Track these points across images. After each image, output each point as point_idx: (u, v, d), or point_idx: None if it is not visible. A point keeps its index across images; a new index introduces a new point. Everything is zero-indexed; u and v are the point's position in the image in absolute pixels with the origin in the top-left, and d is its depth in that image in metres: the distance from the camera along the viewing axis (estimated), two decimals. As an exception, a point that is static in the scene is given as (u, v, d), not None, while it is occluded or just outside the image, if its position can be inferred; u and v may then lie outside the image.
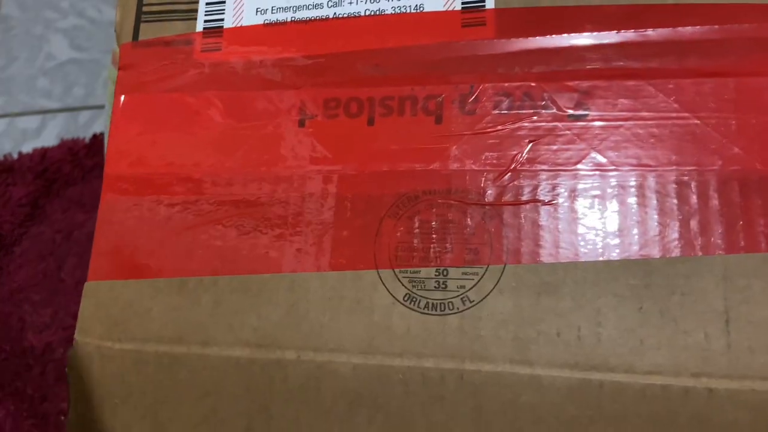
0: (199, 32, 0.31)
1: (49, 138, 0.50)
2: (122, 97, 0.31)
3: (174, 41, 0.32)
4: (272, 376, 0.27)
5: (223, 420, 0.27)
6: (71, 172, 0.64)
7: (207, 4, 0.32)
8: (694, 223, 0.25)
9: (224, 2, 0.31)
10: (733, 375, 0.23)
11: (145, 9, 0.32)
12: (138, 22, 0.32)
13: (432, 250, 0.27)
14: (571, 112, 0.27)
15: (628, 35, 0.27)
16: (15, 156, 0.62)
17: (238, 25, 0.31)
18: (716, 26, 0.26)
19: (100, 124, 0.70)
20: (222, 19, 0.31)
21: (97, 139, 0.70)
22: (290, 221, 0.28)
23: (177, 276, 0.29)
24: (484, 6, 0.29)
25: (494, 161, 0.27)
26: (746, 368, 0.23)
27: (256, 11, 0.31)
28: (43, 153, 0.49)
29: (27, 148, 0.50)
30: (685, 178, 0.25)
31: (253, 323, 0.27)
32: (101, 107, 0.70)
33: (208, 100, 0.31)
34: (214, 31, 0.31)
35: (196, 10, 0.32)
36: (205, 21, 0.31)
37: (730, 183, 0.25)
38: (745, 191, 0.25)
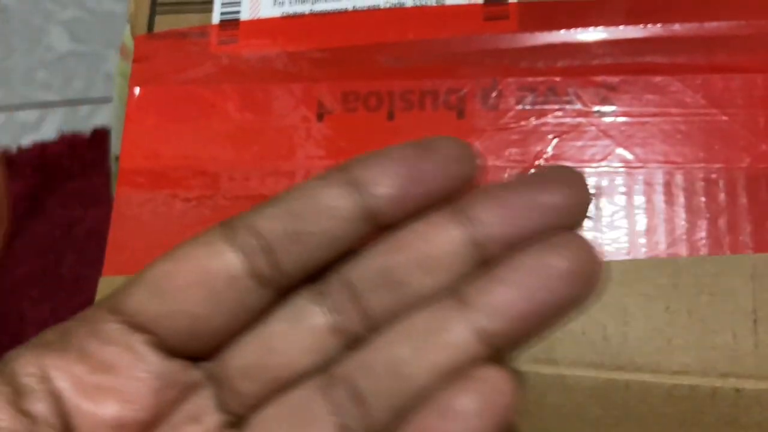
0: (215, 24, 0.31)
1: (48, 131, 0.50)
2: (137, 90, 0.31)
3: (189, 33, 0.31)
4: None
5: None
6: (71, 166, 0.63)
7: (223, -5, 0.31)
8: (722, 222, 0.25)
9: (240, -7, 0.31)
10: (760, 375, 0.23)
11: (159, 1, 0.31)
12: (153, 13, 0.31)
13: (454, 247, 0.26)
14: (596, 107, 0.27)
15: (655, 30, 0.27)
16: (14, 150, 0.61)
17: (255, 17, 0.31)
18: (744, 21, 0.26)
19: (101, 118, 0.69)
20: (238, 12, 0.31)
21: (98, 132, 0.69)
22: (309, 217, 0.28)
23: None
24: (506, -1, 0.28)
25: (518, 157, 0.27)
26: (775, 368, 0.23)
27: (274, 3, 0.30)
28: (42, 147, 0.48)
29: (26, 141, 0.49)
30: (713, 175, 0.25)
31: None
32: (101, 100, 0.69)
33: (224, 93, 0.30)
34: (230, 24, 0.31)
35: (211, 2, 0.31)
36: (222, 13, 0.31)
37: (758, 181, 0.25)
38: (773, 189, 0.25)
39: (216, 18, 0.31)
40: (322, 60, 0.29)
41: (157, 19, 0.32)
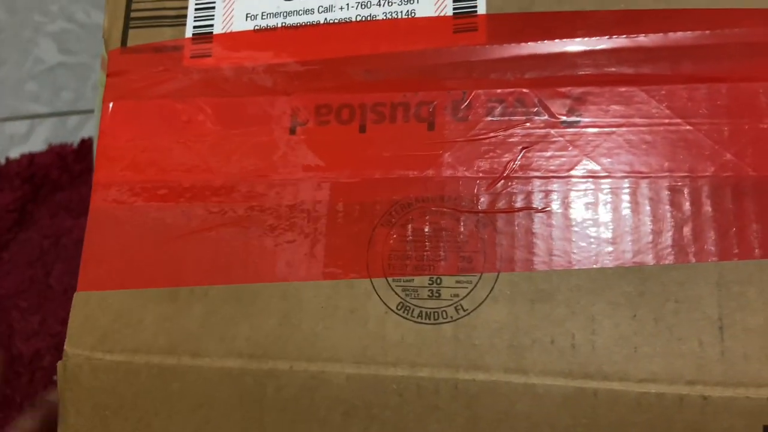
0: (188, 38, 0.31)
1: (37, 143, 0.50)
2: (111, 104, 0.31)
3: (163, 47, 0.31)
4: (265, 387, 0.27)
5: (217, 430, 0.27)
6: (59, 177, 0.63)
7: (196, 9, 0.31)
8: (687, 230, 0.25)
9: (214, 8, 0.31)
10: (727, 382, 0.23)
11: (133, 15, 0.32)
12: (126, 28, 0.32)
13: (425, 258, 0.27)
14: (563, 118, 0.27)
15: (620, 41, 0.27)
16: (2, 161, 0.61)
17: (228, 30, 0.31)
18: (708, 31, 0.26)
19: (89, 129, 0.69)
20: (212, 25, 0.31)
21: (86, 143, 0.69)
22: (283, 230, 0.28)
23: (168, 286, 0.28)
24: (475, 12, 0.28)
25: (487, 168, 0.27)
26: (741, 375, 0.23)
27: (246, 17, 0.31)
28: (31, 158, 0.49)
29: (15, 153, 0.50)
30: (678, 184, 0.25)
31: (246, 333, 0.27)
32: (90, 112, 0.69)
33: (198, 107, 0.30)
34: (203, 37, 0.31)
35: (185, 16, 0.31)
36: (195, 27, 0.31)
37: (722, 189, 0.25)
38: (738, 197, 0.25)
39: (189, 31, 0.31)
40: (296, 73, 0.30)
41: (131, 33, 0.32)
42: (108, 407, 0.28)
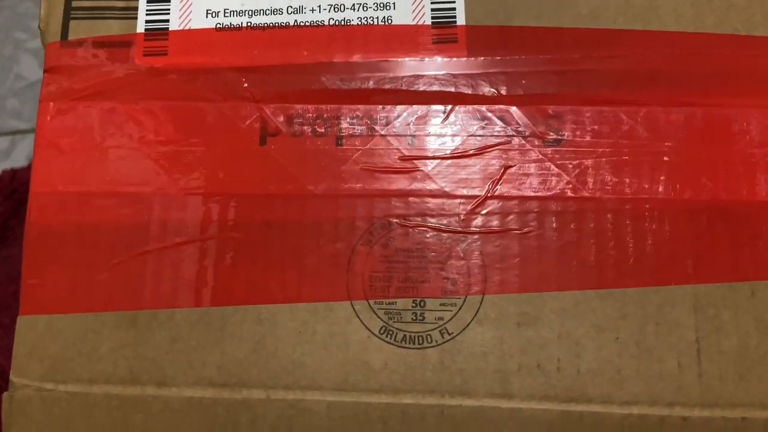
0: (140, 33, 0.28)
1: (18, 159, 0.49)
2: (50, 105, 0.28)
3: (111, 42, 0.28)
4: (238, 417, 0.25)
5: (186, 464, 0.25)
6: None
7: (149, 2, 0.28)
8: (666, 253, 0.25)
9: (169, 1, 0.28)
10: (705, 403, 0.24)
11: (75, 4, 0.28)
12: (67, 18, 0.28)
13: (408, 279, 0.26)
14: (545, 137, 0.26)
15: (599, 61, 0.27)
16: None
17: (186, 27, 0.28)
18: (685, 54, 0.27)
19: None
20: (167, 20, 0.28)
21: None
22: (255, 248, 0.26)
23: (125, 309, 0.26)
24: (454, 21, 0.27)
25: (469, 186, 0.26)
26: (717, 397, 0.24)
27: (207, 13, 0.28)
28: (12, 174, 0.47)
29: None
30: (658, 207, 0.26)
31: (216, 360, 0.26)
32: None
33: (151, 112, 0.28)
34: (157, 34, 0.28)
35: (135, 8, 0.28)
36: (147, 21, 0.28)
37: (699, 214, 0.26)
38: (712, 219, 0.26)
39: (141, 26, 0.28)
40: (264, 78, 0.28)
41: (72, 24, 0.28)
42: (61, 442, 0.26)
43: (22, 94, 0.50)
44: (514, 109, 0.27)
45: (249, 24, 0.28)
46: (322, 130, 0.27)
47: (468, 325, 0.25)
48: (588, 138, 0.26)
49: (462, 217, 0.26)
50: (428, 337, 0.25)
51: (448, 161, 0.27)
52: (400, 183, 0.27)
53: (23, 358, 0.26)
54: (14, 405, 0.26)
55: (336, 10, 0.28)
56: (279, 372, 0.25)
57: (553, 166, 0.26)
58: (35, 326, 0.26)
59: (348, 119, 0.27)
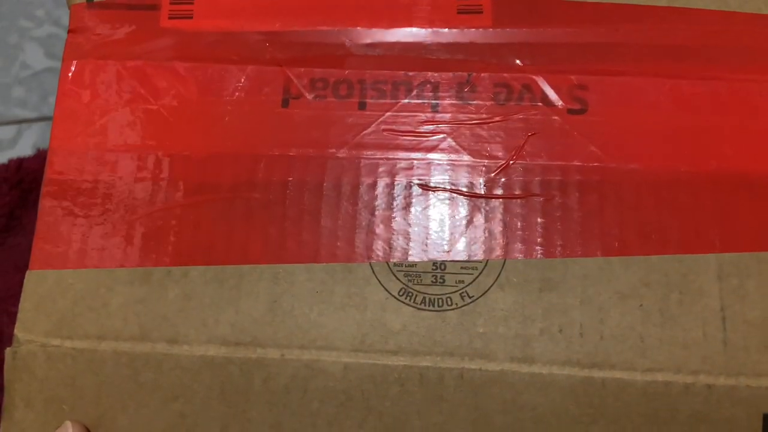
0: (166, -3, 0.28)
1: (25, 148, 0.49)
2: (73, 64, 0.28)
3: (136, 5, 0.28)
4: (251, 376, 0.24)
5: (194, 426, 0.24)
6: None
7: (176, -33, 0.29)
8: (690, 222, 0.25)
9: (196, -33, 0.29)
10: (729, 372, 0.24)
11: (102, -34, 0.29)
12: (93, -20, 0.29)
13: (428, 242, 0.25)
14: (570, 107, 0.27)
15: (626, 33, 0.27)
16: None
17: (212, -7, 0.28)
18: (709, 30, 0.27)
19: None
20: (193, -15, 0.28)
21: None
22: (273, 209, 0.26)
23: (139, 266, 0.26)
24: (480, -7, 0.28)
25: (492, 153, 0.26)
26: (742, 365, 0.24)
27: (233, -21, 0.28)
28: (18, 163, 0.47)
29: (2, 158, 0.48)
30: (682, 177, 0.26)
31: (230, 319, 0.25)
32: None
33: (176, 73, 0.28)
34: (183, -2, 0.28)
35: (162, -27, 0.29)
36: (174, -15, 0.28)
37: (723, 183, 0.25)
38: (735, 190, 0.25)
39: (167, -9, 0.29)
40: (288, 43, 0.28)
41: (98, -13, 0.29)
42: (65, 401, 0.25)
43: (27, 83, 0.50)
44: (538, 78, 0.27)
45: (275, -9, 0.28)
46: (345, 94, 0.27)
47: (489, 288, 0.25)
48: (612, 108, 0.26)
49: (484, 182, 0.26)
50: (448, 299, 0.25)
51: (472, 127, 0.27)
52: (423, 148, 0.26)
53: (29, 313, 0.25)
54: (17, 361, 0.25)
55: (362, -21, 0.28)
56: (295, 331, 0.25)
57: (577, 135, 0.26)
58: (44, 281, 0.26)
59: (371, 84, 0.27)
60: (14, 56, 0.51)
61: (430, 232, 0.26)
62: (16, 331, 0.25)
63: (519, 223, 0.25)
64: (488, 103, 0.27)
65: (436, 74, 0.27)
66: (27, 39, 0.51)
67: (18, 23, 0.52)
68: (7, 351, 0.25)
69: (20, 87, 0.50)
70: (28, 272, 0.26)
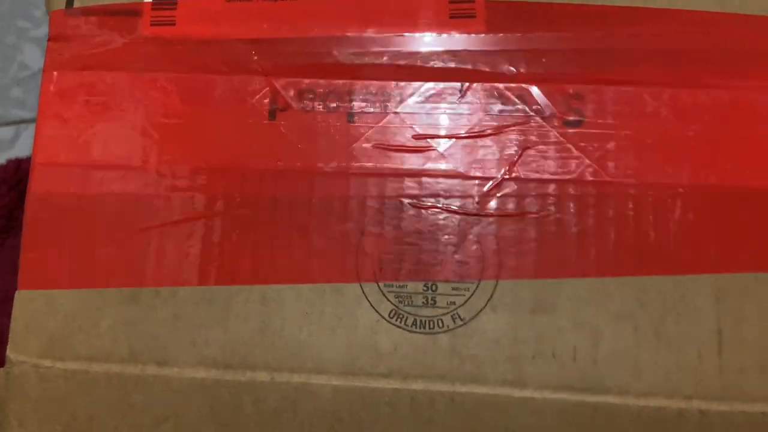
0: (147, 2, 0.27)
1: (23, 148, 0.49)
2: (54, 74, 0.27)
3: (117, 11, 0.27)
4: (241, 399, 0.24)
5: (186, 447, 0.25)
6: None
7: (157, -30, 0.27)
8: (688, 240, 0.24)
9: (178, -30, 0.27)
10: (724, 397, 0.23)
11: (80, -29, 0.27)
12: (72, -15, 0.27)
13: (419, 262, 0.25)
14: (566, 118, 0.26)
15: (622, 40, 0.26)
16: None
17: (195, -3, 0.27)
18: (710, 33, 0.26)
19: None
20: (175, -10, 0.27)
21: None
22: (261, 226, 0.25)
23: (128, 286, 0.25)
24: (473, -4, 0.26)
25: (485, 168, 0.25)
26: (737, 390, 0.23)
27: (217, -17, 0.27)
28: (17, 164, 0.46)
29: (1, 159, 0.48)
30: (680, 190, 0.25)
31: (220, 339, 0.25)
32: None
33: (158, 83, 0.27)
34: (166, 3, 0.27)
35: (142, -24, 0.28)
36: (155, -10, 0.27)
37: (723, 199, 0.25)
38: (735, 208, 0.25)
39: (148, -5, 0.27)
40: (274, 51, 0.27)
41: (78, -9, 0.28)
42: (58, 421, 0.25)
43: (25, 84, 0.50)
44: (533, 88, 0.26)
45: (260, -6, 0.27)
46: (334, 106, 0.26)
47: (481, 310, 0.24)
48: (610, 120, 0.25)
49: (477, 199, 0.25)
50: (440, 321, 0.24)
51: (464, 141, 0.26)
52: (414, 162, 0.26)
53: (21, 334, 0.25)
54: (11, 381, 0.25)
55: (351, -19, 0.27)
56: (284, 354, 0.25)
57: (573, 149, 0.25)
58: (34, 301, 0.26)
59: (361, 95, 0.26)
60: (12, 57, 0.50)
61: (421, 251, 0.25)
62: (8, 351, 0.25)
63: (512, 242, 0.25)
64: (481, 115, 0.26)
65: (427, 84, 0.26)
66: (25, 39, 0.50)
67: (16, 23, 0.51)
68: (0, 371, 0.25)
69: (18, 88, 0.50)
70: (17, 292, 0.26)
